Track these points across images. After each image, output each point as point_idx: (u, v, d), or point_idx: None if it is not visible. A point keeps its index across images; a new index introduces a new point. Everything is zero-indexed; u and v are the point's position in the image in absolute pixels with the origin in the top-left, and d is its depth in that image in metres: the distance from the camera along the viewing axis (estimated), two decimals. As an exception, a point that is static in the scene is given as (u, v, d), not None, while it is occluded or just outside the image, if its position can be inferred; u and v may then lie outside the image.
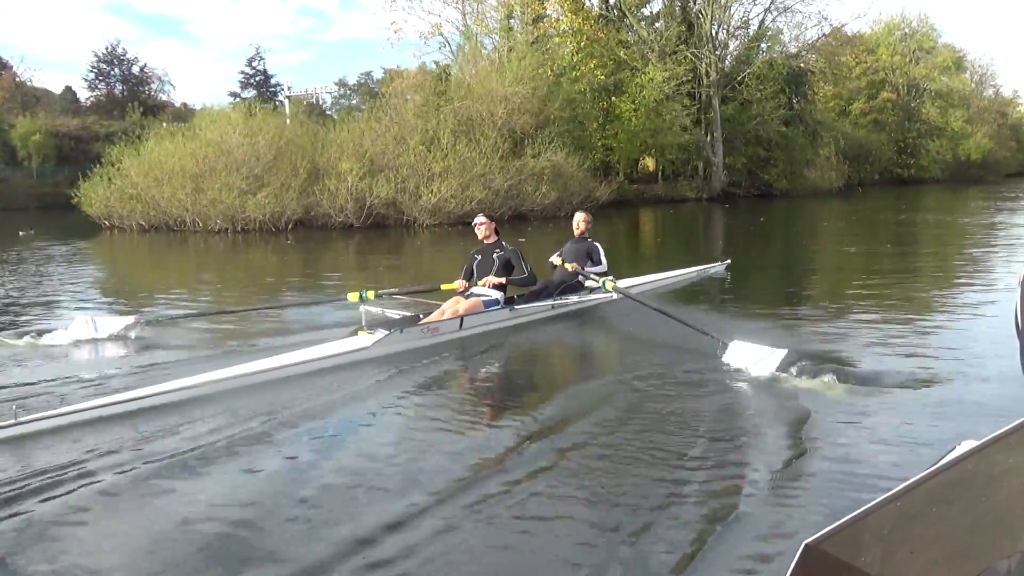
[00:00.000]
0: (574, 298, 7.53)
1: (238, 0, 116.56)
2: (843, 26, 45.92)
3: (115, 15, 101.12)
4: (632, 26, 39.60)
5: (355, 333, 5.98)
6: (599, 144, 35.49)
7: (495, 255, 7.11)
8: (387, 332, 5.84)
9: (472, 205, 24.74)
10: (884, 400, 4.61)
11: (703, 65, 39.53)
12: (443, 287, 7.11)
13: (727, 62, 41.20)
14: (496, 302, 6.82)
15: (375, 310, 6.89)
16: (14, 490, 3.38)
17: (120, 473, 3.60)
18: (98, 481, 3.51)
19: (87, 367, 5.74)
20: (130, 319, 6.79)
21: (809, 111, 46.43)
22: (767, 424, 4.23)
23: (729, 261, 10.57)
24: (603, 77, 35.55)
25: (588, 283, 7.62)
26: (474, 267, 7.18)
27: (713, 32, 39.64)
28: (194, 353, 6.07)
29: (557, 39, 35.33)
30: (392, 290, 7.27)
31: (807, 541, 1.15)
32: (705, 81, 40.14)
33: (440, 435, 4.18)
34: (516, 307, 6.94)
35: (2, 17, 79.60)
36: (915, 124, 63.78)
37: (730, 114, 40.54)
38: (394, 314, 6.79)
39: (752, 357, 5.26)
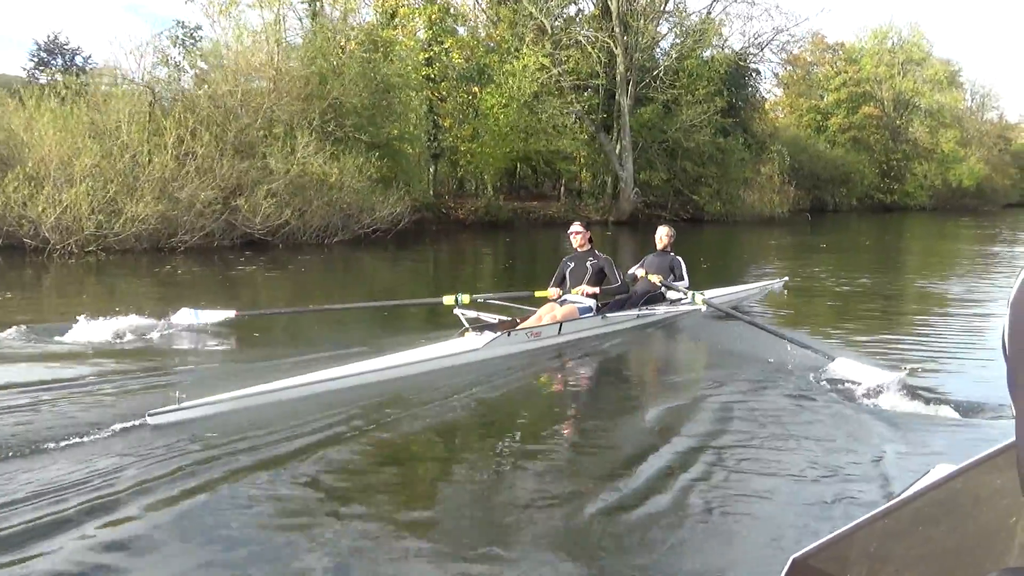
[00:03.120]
0: (661, 309, 7.61)
1: None
2: (803, 22, 35.25)
3: None
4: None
5: (462, 335, 6.10)
6: (443, 147, 25.59)
7: (588, 263, 7.09)
8: (496, 335, 6.00)
9: (135, 227, 14.93)
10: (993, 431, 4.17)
11: (619, 54, 29.28)
12: (536, 294, 7.07)
13: (646, 54, 30.87)
14: (590, 309, 6.91)
15: (470, 314, 6.63)
16: (179, 468, 3.46)
17: (269, 457, 3.67)
18: (244, 466, 3.54)
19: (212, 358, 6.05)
20: (231, 312, 6.88)
21: (754, 120, 35.98)
22: (874, 448, 3.97)
23: (787, 279, 10.58)
24: (460, 60, 25.59)
25: (671, 295, 7.64)
26: (567, 274, 7.16)
27: (623, 13, 29.29)
28: (315, 348, 6.06)
29: (403, 10, 25.30)
30: (488, 295, 7.34)
31: (795, 555, 1.17)
32: (615, 74, 29.88)
33: (561, 441, 4.23)
34: (607, 315, 7.01)
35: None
36: (901, 144, 53.25)
37: (648, 119, 30.34)
38: (490, 318, 6.69)
39: (860, 375, 5.16)
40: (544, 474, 3.55)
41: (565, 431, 4.41)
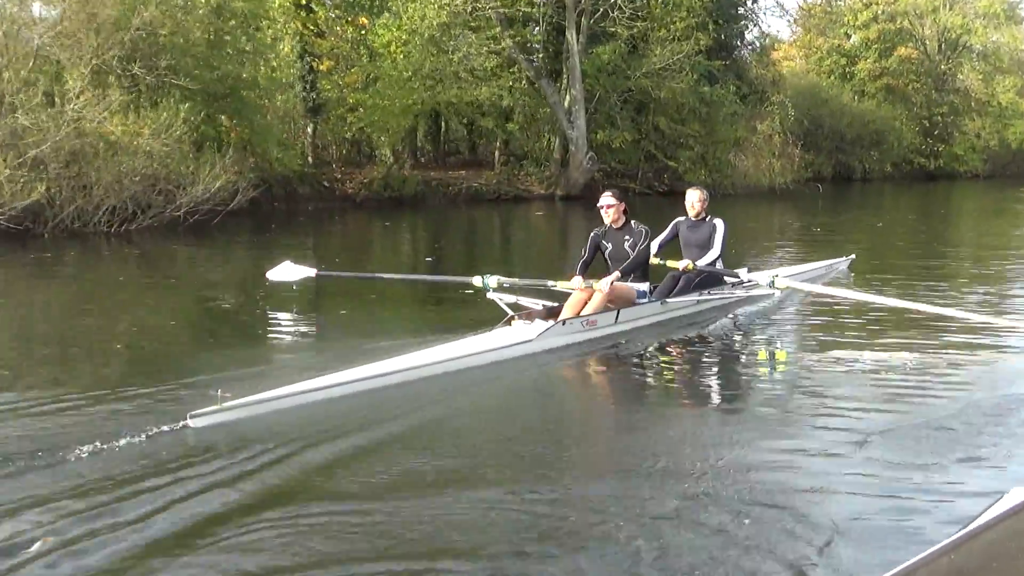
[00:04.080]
0: (727, 291, 7.63)
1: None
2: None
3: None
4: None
5: (508, 323, 6.32)
6: (324, 99, 22.44)
7: (627, 245, 6.93)
8: (550, 324, 6.20)
9: None
10: None
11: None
12: (559, 285, 6.90)
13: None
14: (645, 293, 6.99)
15: (508, 298, 7.01)
16: (217, 472, 3.78)
17: (315, 461, 3.99)
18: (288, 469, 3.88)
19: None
20: (312, 271, 7.50)
21: (751, 63, 32.80)
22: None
23: (854, 256, 10.62)
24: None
25: (731, 280, 7.64)
26: (607, 257, 7.04)
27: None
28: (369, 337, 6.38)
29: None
30: (514, 280, 7.26)
31: None
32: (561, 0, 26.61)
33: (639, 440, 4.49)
34: (667, 301, 7.15)
35: None
36: (947, 96, 50.11)
37: (607, 61, 27.09)
38: (532, 303, 6.95)
39: None
40: (624, 477, 3.90)
41: (639, 429, 4.71)
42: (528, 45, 26.67)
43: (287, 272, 7.53)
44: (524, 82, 27.35)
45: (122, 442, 4.04)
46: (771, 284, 7.21)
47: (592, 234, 7.18)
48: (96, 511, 3.36)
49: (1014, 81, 51.16)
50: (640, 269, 7.01)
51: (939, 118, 49.43)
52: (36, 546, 3.10)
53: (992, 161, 51.58)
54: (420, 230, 19.85)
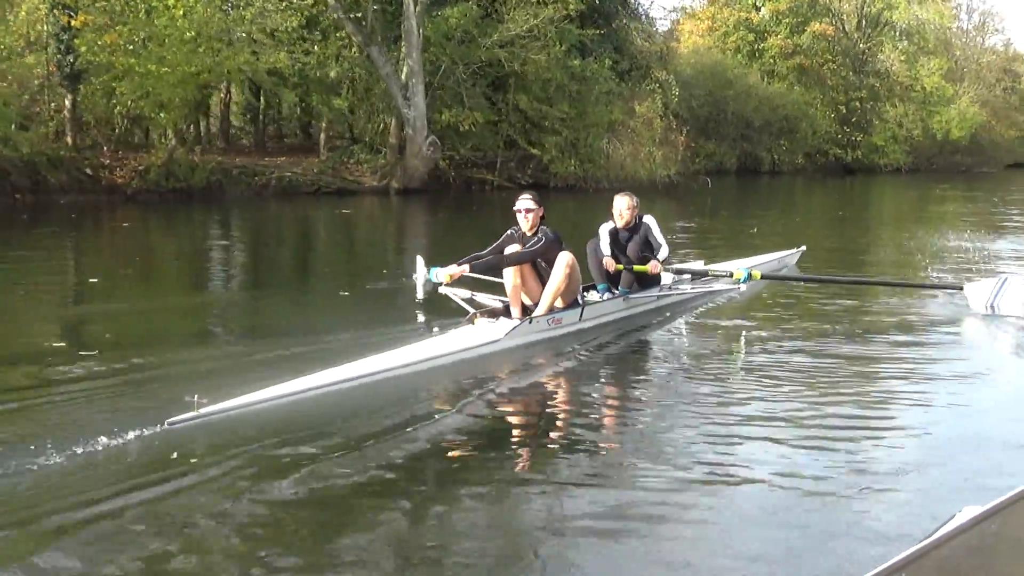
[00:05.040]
0: (688, 286, 8.76)
1: None
2: None
3: None
4: None
5: (471, 321, 7.03)
6: (85, 64, 20.70)
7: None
8: (516, 323, 6.91)
9: None
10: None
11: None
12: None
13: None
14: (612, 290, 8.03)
15: (463, 293, 7.65)
16: (196, 481, 4.27)
17: (287, 467, 4.46)
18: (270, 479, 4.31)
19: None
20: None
21: (634, 33, 32.48)
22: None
23: (804, 248, 11.69)
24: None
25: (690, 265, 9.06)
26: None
27: None
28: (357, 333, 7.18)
29: None
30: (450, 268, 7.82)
31: None
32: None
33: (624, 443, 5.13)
34: (630, 297, 8.07)
35: None
36: (866, 78, 51.49)
37: (454, 26, 26.11)
38: (489, 299, 7.58)
39: (993, 294, 7.95)
40: (597, 481, 4.40)
41: (617, 432, 5.38)
42: (352, 4, 25.37)
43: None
44: (356, 49, 26.16)
45: (98, 449, 4.49)
46: (747, 277, 7.91)
47: (507, 233, 7.56)
48: (70, 519, 3.81)
49: (940, 63, 53.03)
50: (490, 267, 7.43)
51: (857, 104, 50.78)
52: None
53: (915, 153, 53.27)
54: (180, 234, 18.20)
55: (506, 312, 7.26)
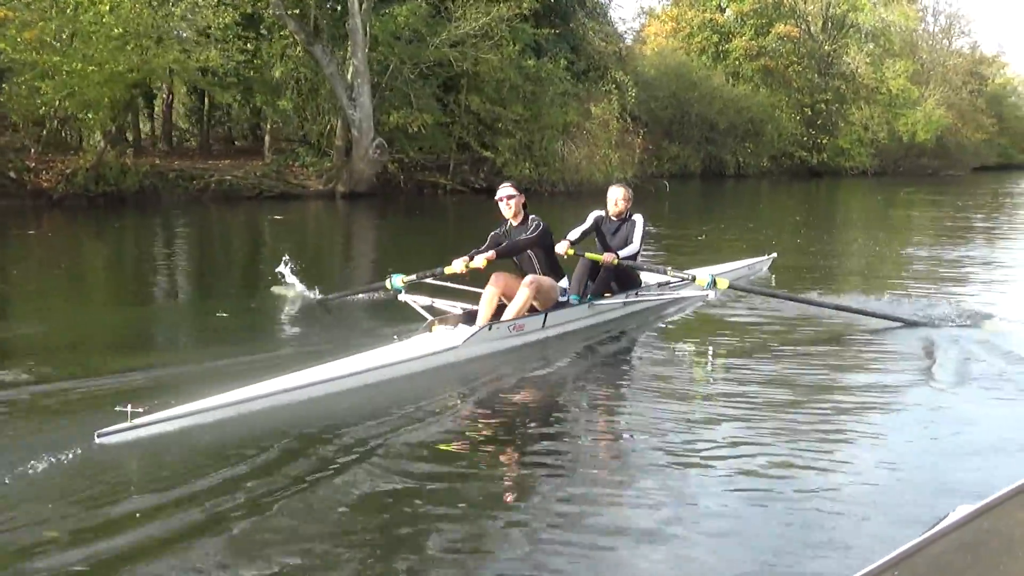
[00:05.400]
0: (654, 294, 8.54)
1: None
2: None
3: None
4: None
5: (430, 328, 6.75)
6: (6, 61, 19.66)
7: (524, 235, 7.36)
8: (475, 329, 6.60)
9: None
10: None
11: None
12: (446, 271, 7.50)
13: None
14: (565, 290, 7.51)
15: (423, 300, 7.56)
16: (123, 499, 3.99)
17: (227, 483, 4.17)
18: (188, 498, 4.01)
19: None
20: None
21: (591, 34, 31.74)
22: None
23: (776, 255, 11.54)
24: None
25: (653, 277, 8.52)
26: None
27: None
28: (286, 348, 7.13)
29: None
30: (418, 275, 7.84)
31: None
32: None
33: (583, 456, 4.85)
34: (595, 304, 7.81)
35: None
36: (832, 80, 51.14)
37: (402, 24, 25.22)
38: (449, 306, 7.46)
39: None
40: (559, 488, 4.25)
41: (581, 446, 5.05)
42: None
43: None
44: (301, 48, 25.22)
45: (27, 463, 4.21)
46: (711, 284, 7.72)
47: (492, 234, 7.54)
48: None
49: (905, 65, 52.83)
50: (518, 252, 7.37)
51: (823, 106, 50.45)
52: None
53: (881, 156, 53.01)
54: (105, 241, 17.18)
55: (466, 319, 7.07)
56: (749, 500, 4.06)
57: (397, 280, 7.70)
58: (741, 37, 48.33)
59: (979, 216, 24.41)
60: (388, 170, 26.45)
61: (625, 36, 37.47)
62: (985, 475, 4.29)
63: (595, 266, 7.85)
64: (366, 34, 24.71)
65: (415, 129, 25.93)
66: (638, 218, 8.19)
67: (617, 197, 8.20)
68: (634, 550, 3.56)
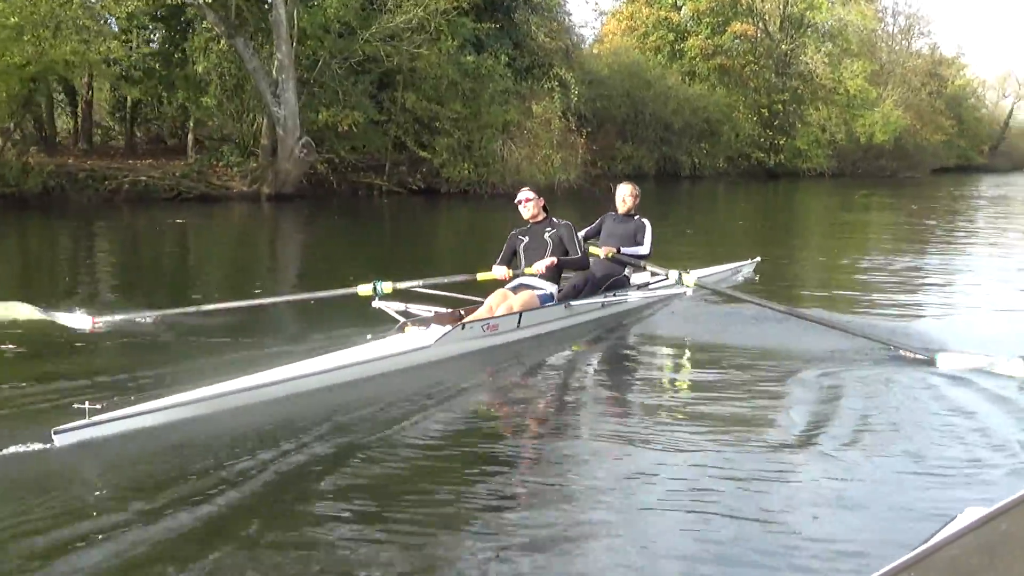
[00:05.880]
0: (633, 294, 8.31)
1: None
2: None
3: None
4: None
5: (402, 329, 6.56)
6: None
7: (547, 235, 7.48)
8: (448, 328, 6.44)
9: None
10: None
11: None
12: (479, 278, 7.44)
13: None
14: (551, 297, 7.42)
15: (396, 306, 7.28)
16: (82, 499, 3.89)
17: (190, 484, 4.05)
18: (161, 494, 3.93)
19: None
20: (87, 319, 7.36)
21: (535, 28, 30.52)
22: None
23: (759, 259, 11.41)
24: None
25: (638, 276, 8.49)
26: (520, 251, 7.55)
27: None
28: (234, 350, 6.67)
29: None
30: (414, 283, 7.56)
31: None
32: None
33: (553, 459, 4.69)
34: (571, 304, 7.59)
35: None
36: (789, 80, 50.31)
37: (332, 16, 23.85)
38: (423, 310, 7.23)
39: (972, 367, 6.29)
40: (530, 502, 4.04)
41: (548, 447, 4.91)
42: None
43: (47, 313, 7.51)
44: (226, 41, 23.80)
45: None
46: (679, 282, 7.66)
47: (510, 235, 7.66)
48: None
49: (863, 65, 51.91)
50: (572, 267, 7.54)
51: (780, 106, 49.58)
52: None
53: (840, 157, 52.23)
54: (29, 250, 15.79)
55: (439, 321, 6.92)
56: (717, 499, 3.96)
57: (385, 286, 7.34)
58: (697, 36, 47.26)
59: (931, 223, 23.44)
60: (318, 171, 25.11)
61: (574, 32, 35.84)
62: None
63: (586, 278, 7.89)
64: (293, 27, 23.35)
65: (346, 128, 24.59)
66: (647, 223, 8.33)
67: (624, 194, 8.42)
68: (595, 549, 3.49)
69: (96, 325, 7.28)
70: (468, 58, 26.96)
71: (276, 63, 23.54)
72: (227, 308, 7.96)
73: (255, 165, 24.57)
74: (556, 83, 29.54)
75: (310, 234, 19.06)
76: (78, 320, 7.33)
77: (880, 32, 61.39)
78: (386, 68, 25.64)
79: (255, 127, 25.43)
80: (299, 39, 23.89)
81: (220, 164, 24.85)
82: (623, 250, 8.02)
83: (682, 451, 4.62)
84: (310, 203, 23.90)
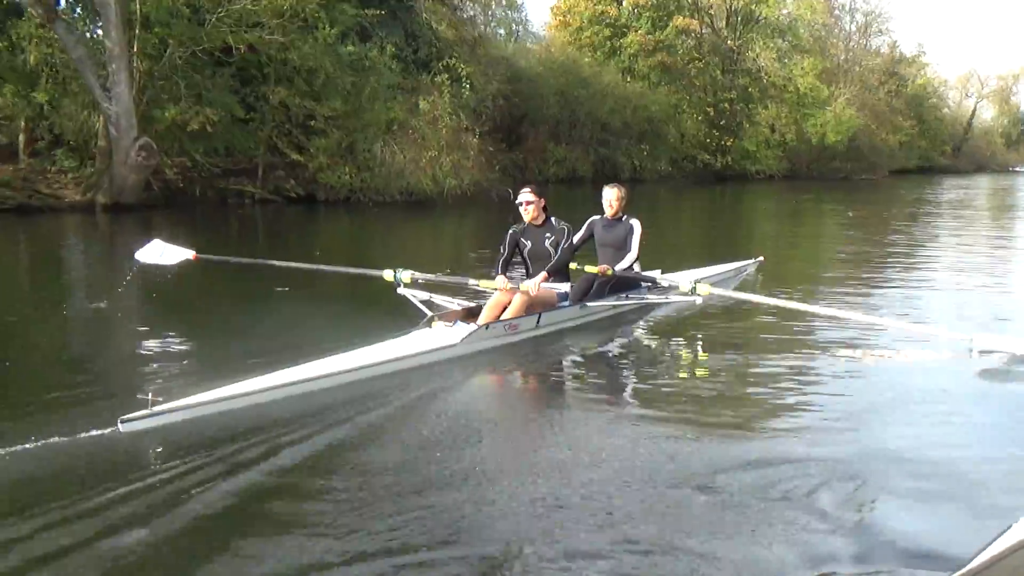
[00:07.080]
0: (646, 295, 8.32)
1: None
2: None
3: None
4: None
5: (429, 324, 6.83)
6: None
7: (547, 243, 7.50)
8: (473, 327, 6.69)
9: None
10: None
11: None
12: (481, 285, 7.48)
13: None
14: (565, 295, 7.60)
15: (421, 295, 7.56)
16: (142, 485, 4.03)
17: (242, 470, 4.28)
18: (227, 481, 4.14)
19: None
20: (190, 253, 8.15)
21: (430, 18, 27.30)
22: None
23: (762, 259, 11.32)
24: None
25: (644, 285, 8.31)
26: (526, 256, 7.61)
27: None
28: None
29: None
30: (429, 276, 7.75)
31: None
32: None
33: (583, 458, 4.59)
34: (587, 304, 7.82)
35: None
36: (737, 78, 47.40)
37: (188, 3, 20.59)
38: (446, 302, 7.60)
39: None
40: (551, 486, 4.10)
41: (565, 435, 4.99)
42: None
43: (158, 253, 8.05)
44: (44, 27, 20.40)
45: (52, 445, 4.40)
46: (693, 291, 7.46)
47: (510, 231, 7.65)
48: (22, 518, 3.66)
49: (814, 62, 49.23)
50: (563, 270, 7.66)
51: (727, 105, 46.85)
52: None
53: (791, 159, 49.54)
54: None
55: (465, 317, 7.13)
56: (735, 494, 3.94)
57: (404, 275, 7.43)
58: (637, 31, 44.23)
59: (859, 234, 20.48)
60: (168, 177, 21.72)
61: (470, 21, 32.39)
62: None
63: (593, 278, 8.03)
64: (131, 10, 20.00)
65: (197, 127, 21.22)
66: (635, 223, 8.21)
67: (610, 199, 8.26)
68: (626, 545, 3.48)
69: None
70: (349, 48, 23.70)
71: (106, 51, 20.12)
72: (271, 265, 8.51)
73: (91, 172, 21.15)
74: (446, 76, 26.24)
75: (115, 253, 15.69)
76: (182, 252, 8.10)
77: (836, 30, 58.74)
78: (250, 59, 22.32)
79: (95, 127, 21.98)
80: (143, 24, 20.55)
81: (53, 169, 21.43)
82: (617, 268, 7.95)
83: (711, 444, 4.65)
84: (162, 214, 20.48)
